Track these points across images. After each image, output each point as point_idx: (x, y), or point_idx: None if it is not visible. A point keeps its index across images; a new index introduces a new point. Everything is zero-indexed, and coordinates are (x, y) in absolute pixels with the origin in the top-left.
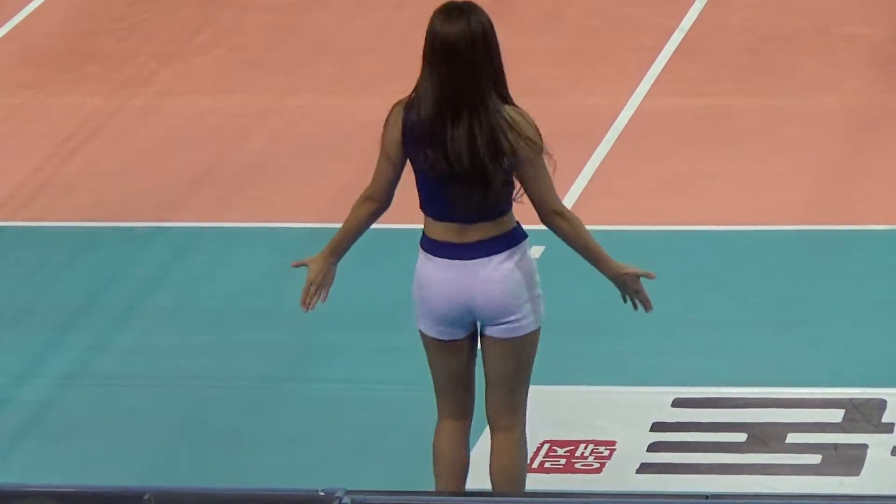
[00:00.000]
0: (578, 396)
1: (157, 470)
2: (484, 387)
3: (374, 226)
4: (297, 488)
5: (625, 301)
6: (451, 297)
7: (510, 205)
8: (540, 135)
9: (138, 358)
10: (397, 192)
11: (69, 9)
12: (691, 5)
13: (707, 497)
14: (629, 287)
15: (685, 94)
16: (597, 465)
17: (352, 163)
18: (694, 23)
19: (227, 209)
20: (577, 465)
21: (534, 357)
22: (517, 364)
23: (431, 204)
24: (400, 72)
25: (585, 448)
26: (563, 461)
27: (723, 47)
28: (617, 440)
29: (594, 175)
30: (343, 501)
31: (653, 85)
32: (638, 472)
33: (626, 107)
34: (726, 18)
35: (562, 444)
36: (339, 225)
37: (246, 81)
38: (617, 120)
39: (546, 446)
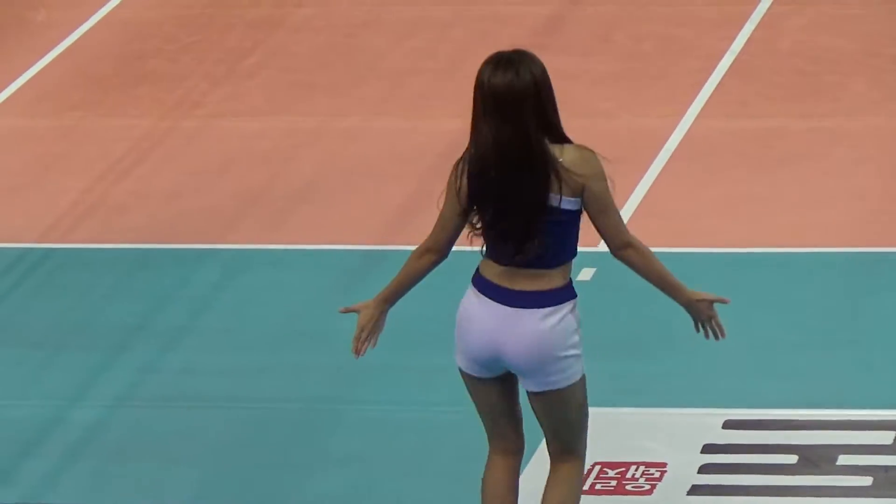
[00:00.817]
0: (628, 418)
1: (208, 491)
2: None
3: None
4: None
5: (697, 330)
6: (484, 339)
7: (568, 256)
8: (601, 167)
9: (189, 379)
10: None
11: (120, 31)
12: (741, 27)
13: None
14: (703, 314)
15: (735, 115)
16: (647, 487)
17: (402, 184)
18: (744, 45)
19: (277, 231)
20: (628, 487)
21: (580, 406)
22: (561, 415)
23: (491, 249)
24: (450, 93)
25: (636, 470)
26: (613, 483)
27: (773, 69)
28: (668, 462)
29: (644, 197)
30: None
31: (703, 107)
32: (689, 493)
33: (676, 129)
34: (776, 41)
35: (613, 465)
36: (390, 247)
37: (296, 103)
38: (668, 142)
39: (597, 468)
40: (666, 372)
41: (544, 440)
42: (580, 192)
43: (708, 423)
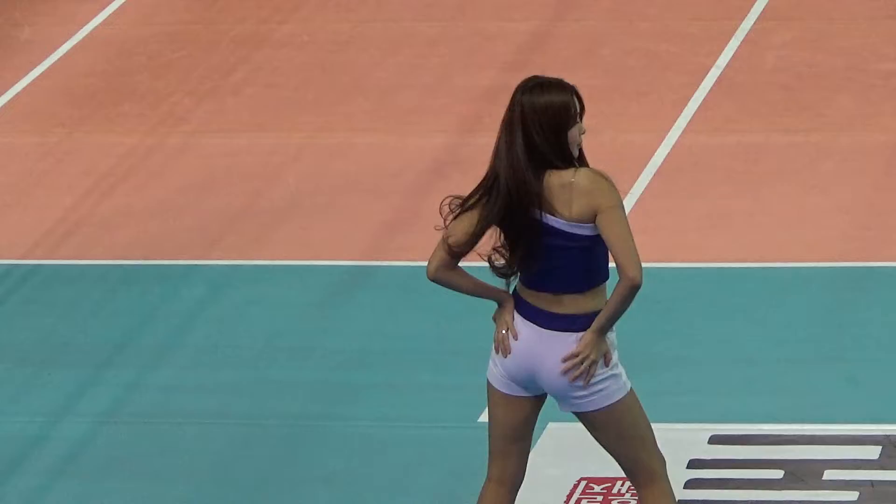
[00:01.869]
0: None
1: None
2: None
3: (409, 264)
4: None
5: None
6: (521, 358)
7: (598, 279)
8: (608, 189)
9: (174, 396)
10: (429, 229)
11: (106, 47)
12: (727, 43)
13: None
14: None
15: (721, 131)
16: (633, 503)
17: (387, 200)
18: (730, 61)
19: (262, 247)
20: (614, 503)
21: (632, 423)
22: (613, 433)
23: (522, 273)
24: (435, 109)
25: (622, 485)
26: (600, 498)
27: (758, 85)
28: None
29: (630, 212)
30: None
31: (689, 122)
32: None
33: (662, 144)
34: (761, 56)
35: (598, 481)
36: (375, 263)
37: (281, 119)
38: (653, 157)
39: (583, 483)
40: (652, 387)
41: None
42: (592, 217)
43: (694, 438)
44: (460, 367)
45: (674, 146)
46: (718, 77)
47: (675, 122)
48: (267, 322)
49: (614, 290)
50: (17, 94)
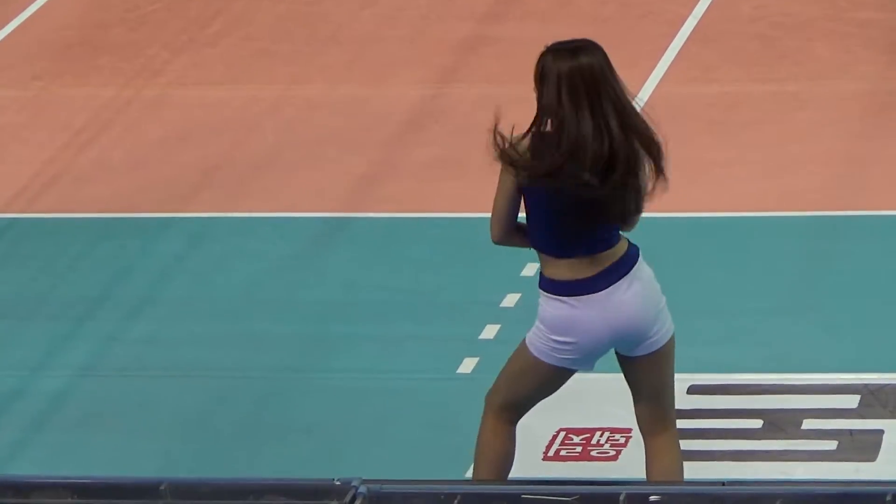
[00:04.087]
0: (594, 384)
1: (173, 461)
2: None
3: (386, 215)
4: (312, 478)
5: None
6: (596, 336)
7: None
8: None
9: (153, 349)
10: (407, 180)
11: (81, 0)
12: None
13: (724, 484)
14: None
15: (698, 81)
16: (613, 453)
17: (364, 153)
18: (706, 10)
19: (240, 199)
20: (593, 453)
21: (674, 363)
22: (665, 372)
23: (555, 244)
24: (412, 61)
25: (601, 435)
26: (579, 449)
27: (735, 34)
28: (632, 427)
29: None
30: (359, 491)
31: (665, 72)
32: None
33: (638, 94)
34: (738, 6)
35: (577, 431)
36: (353, 214)
37: (258, 71)
38: None
39: (562, 434)
40: None
41: None
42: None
43: None
44: (439, 319)
45: (650, 96)
46: (695, 26)
47: (651, 72)
48: (246, 274)
49: None
50: None
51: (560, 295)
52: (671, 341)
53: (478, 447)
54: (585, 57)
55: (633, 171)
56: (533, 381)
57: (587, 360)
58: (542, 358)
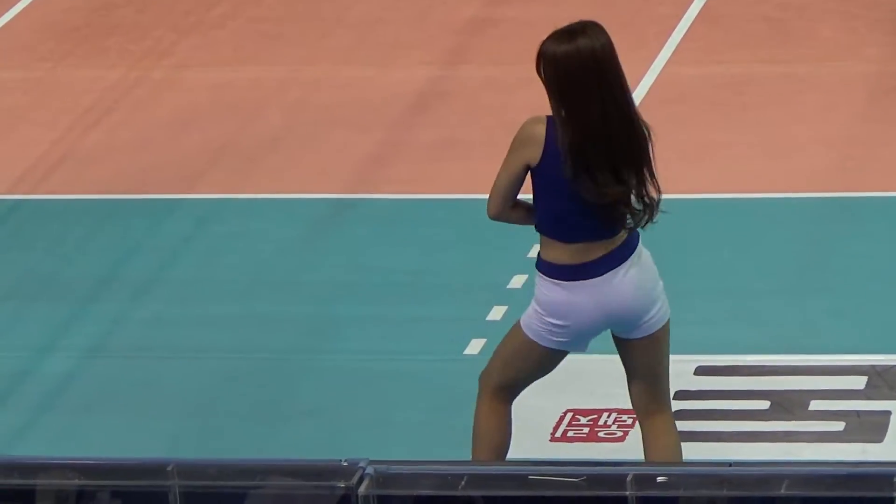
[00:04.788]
0: (601, 365)
1: (180, 442)
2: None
3: (393, 196)
4: (320, 459)
5: None
6: (590, 318)
7: None
8: None
9: (159, 330)
10: (413, 161)
11: None
12: None
13: (730, 465)
14: None
15: (704, 62)
16: (620, 434)
17: (371, 133)
18: None
19: (246, 181)
20: (601, 434)
21: (669, 345)
22: (660, 354)
23: (562, 229)
24: (418, 41)
25: (608, 416)
26: (586, 430)
27: (741, 16)
28: None
29: None
30: (366, 472)
31: (672, 53)
32: None
33: (646, 75)
34: None
35: (585, 412)
36: (359, 196)
37: (264, 53)
38: (637, 89)
39: (569, 415)
40: None
41: None
42: None
43: (680, 369)
44: (446, 300)
45: (657, 77)
46: (702, 8)
47: (658, 53)
48: (252, 256)
49: None
50: (1, 30)
51: (558, 279)
52: (667, 324)
53: (475, 428)
54: (584, 40)
55: (638, 160)
56: (527, 362)
57: (581, 342)
58: (538, 340)
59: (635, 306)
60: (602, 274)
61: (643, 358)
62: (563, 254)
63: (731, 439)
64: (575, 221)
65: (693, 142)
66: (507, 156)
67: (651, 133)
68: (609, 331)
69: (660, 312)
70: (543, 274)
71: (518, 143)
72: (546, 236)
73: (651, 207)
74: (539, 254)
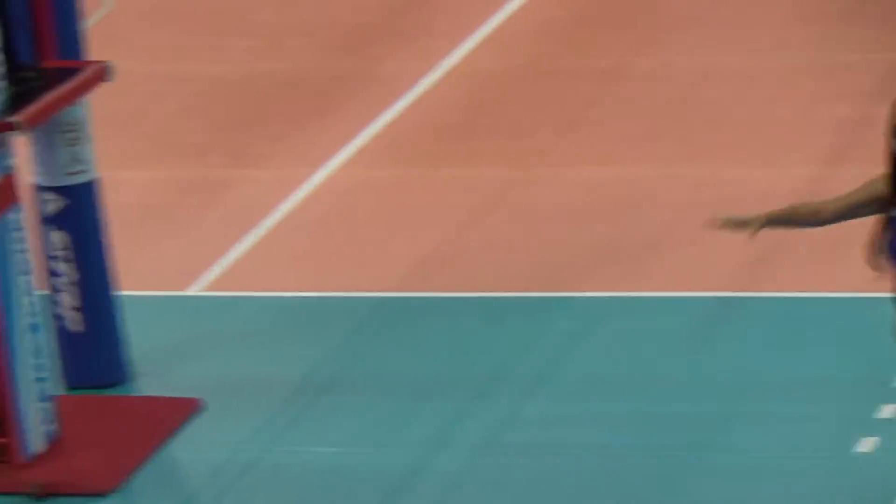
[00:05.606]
0: None
1: None
2: None
3: (777, 294)
4: None
5: None
6: None
7: None
8: None
9: (548, 429)
10: (790, 262)
11: (466, 81)
12: None
13: None
14: None
15: None
16: None
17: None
18: None
19: (632, 279)
20: None
21: None
22: None
23: None
24: (797, 144)
25: None
26: None
27: None
28: None
29: None
30: None
31: None
32: None
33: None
34: None
35: None
36: (750, 294)
37: (641, 151)
38: None
39: None
40: None
41: None
42: None
43: None
44: (828, 398)
45: None
46: None
47: None
48: (642, 353)
49: None
50: (382, 128)
51: None
52: None
53: None
54: None
55: None
56: None
57: None
58: None
59: None
60: None
61: None
62: None
63: None
64: None
65: None
66: (873, 180)
67: None
68: None
69: None
70: None
71: None
72: None
73: None
74: None
